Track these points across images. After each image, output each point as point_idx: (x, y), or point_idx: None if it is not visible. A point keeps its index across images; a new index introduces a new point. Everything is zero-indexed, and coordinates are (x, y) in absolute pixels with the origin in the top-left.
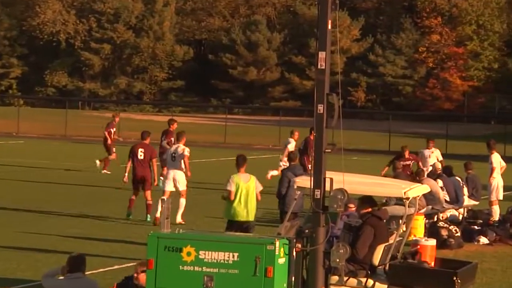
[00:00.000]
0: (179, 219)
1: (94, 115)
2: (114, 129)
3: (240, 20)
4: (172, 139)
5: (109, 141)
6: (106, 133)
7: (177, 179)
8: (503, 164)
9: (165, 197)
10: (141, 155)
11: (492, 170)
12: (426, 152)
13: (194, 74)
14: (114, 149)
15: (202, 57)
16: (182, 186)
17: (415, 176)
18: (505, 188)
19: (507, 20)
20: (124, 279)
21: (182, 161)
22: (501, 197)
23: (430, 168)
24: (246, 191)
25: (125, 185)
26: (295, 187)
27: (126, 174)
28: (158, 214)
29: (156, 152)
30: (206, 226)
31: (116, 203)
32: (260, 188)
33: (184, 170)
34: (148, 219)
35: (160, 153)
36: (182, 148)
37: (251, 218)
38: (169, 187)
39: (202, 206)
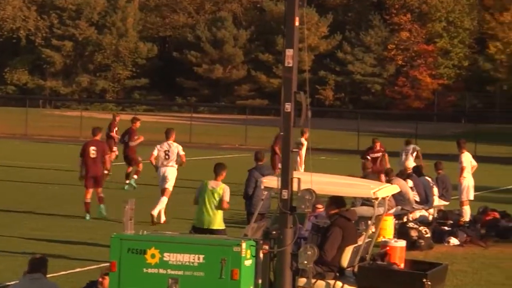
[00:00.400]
0: (155, 212)
1: (56, 114)
2: (116, 128)
3: (206, 17)
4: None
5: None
6: (112, 134)
7: (167, 176)
8: (474, 163)
9: (165, 197)
10: (93, 153)
11: (461, 169)
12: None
13: (159, 72)
14: (114, 148)
15: (166, 54)
16: (169, 184)
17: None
18: (476, 188)
19: (478, 17)
20: (89, 282)
21: (175, 160)
22: (471, 197)
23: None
24: (209, 199)
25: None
26: (262, 187)
27: (80, 174)
28: (155, 212)
29: (107, 149)
30: (171, 227)
31: (79, 203)
32: (227, 198)
33: (176, 167)
34: (102, 209)
35: (125, 152)
36: (175, 146)
37: (214, 226)
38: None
39: (174, 206)
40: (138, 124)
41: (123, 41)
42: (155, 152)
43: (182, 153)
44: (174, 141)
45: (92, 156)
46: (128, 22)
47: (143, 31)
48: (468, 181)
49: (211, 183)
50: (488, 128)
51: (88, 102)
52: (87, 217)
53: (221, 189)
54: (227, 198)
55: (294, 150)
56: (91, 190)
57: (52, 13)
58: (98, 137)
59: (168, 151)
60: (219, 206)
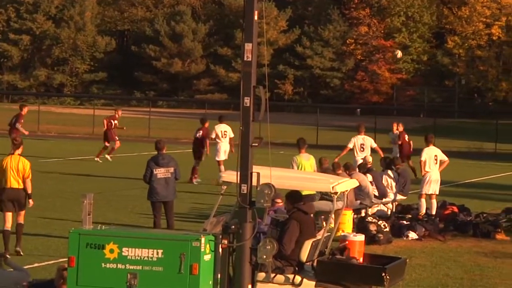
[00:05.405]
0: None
1: (13, 108)
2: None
3: (164, 11)
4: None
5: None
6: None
7: None
8: (443, 158)
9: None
10: None
11: (420, 163)
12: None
13: (117, 66)
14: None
15: (125, 48)
16: None
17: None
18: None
19: (436, 12)
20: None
21: None
22: (437, 192)
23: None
24: None
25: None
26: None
27: None
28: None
29: None
30: (130, 222)
31: (36, 198)
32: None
33: None
34: None
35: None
36: None
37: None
38: None
39: (125, 202)
40: (26, 109)
41: (81, 35)
42: None
43: None
44: None
45: None
46: (86, 16)
47: (101, 25)
48: (430, 175)
49: None
50: (447, 123)
51: (45, 97)
52: None
53: None
54: None
55: (253, 144)
56: None
57: (9, 6)
58: None
59: None
60: None
